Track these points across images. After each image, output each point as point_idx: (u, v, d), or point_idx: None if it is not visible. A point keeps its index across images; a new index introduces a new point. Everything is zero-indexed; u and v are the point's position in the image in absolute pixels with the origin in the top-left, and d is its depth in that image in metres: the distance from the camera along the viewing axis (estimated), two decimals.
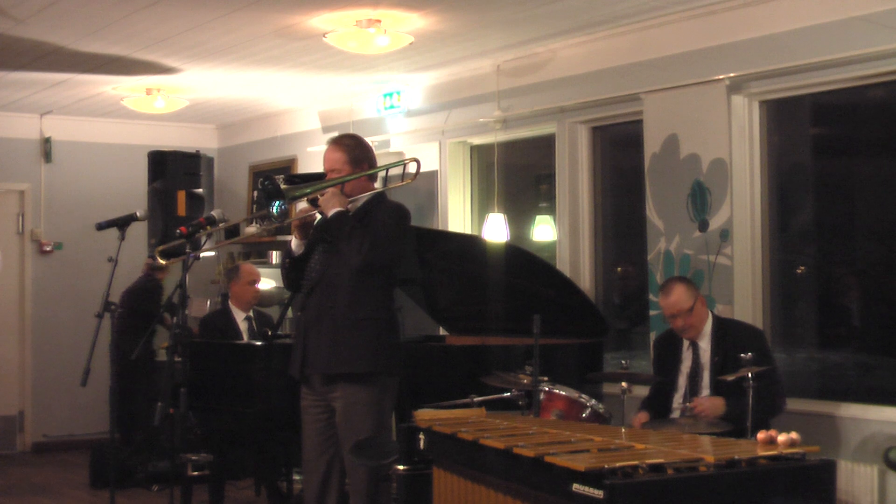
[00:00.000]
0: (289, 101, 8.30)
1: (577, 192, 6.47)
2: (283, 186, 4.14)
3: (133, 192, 8.62)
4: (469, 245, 5.93)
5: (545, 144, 6.74)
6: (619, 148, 6.44)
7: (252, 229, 8.30)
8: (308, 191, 4.29)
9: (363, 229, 4.19)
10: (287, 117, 8.82)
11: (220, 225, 4.64)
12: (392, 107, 7.58)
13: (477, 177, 7.42)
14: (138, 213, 5.36)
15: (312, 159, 8.16)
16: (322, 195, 4.25)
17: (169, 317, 7.11)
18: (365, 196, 4.38)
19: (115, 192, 9.01)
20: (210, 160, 7.75)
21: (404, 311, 6.28)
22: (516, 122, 6.75)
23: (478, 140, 7.28)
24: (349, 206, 4.28)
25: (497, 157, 6.89)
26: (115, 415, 5.53)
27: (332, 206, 4.22)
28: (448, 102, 7.24)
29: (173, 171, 7.33)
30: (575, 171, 6.48)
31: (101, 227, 5.33)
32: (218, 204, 8.05)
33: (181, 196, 7.26)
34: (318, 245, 4.36)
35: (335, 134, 4.82)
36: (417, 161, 4.40)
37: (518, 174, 7.22)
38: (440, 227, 7.26)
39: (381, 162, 4.60)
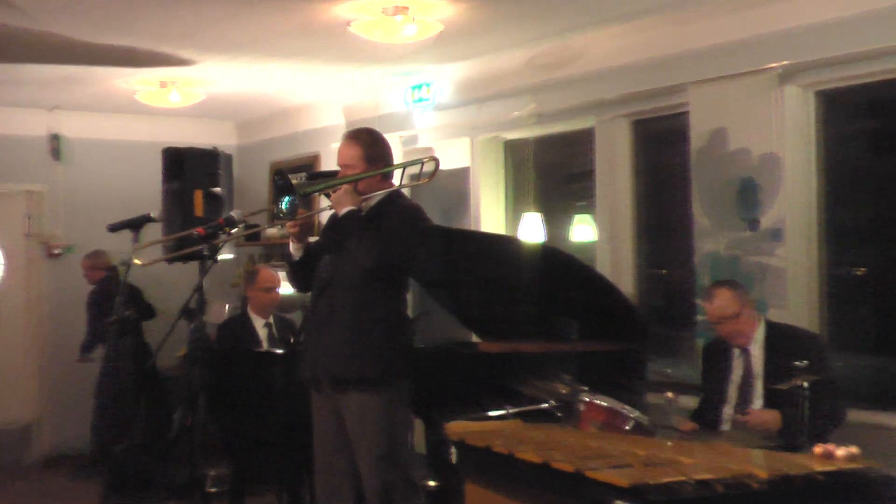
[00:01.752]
0: (311, 95, 8.32)
1: (618, 189, 6.46)
2: (294, 182, 4.20)
3: (147, 191, 8.63)
4: (503, 246, 5.90)
5: (583, 140, 6.74)
6: (662, 143, 6.43)
7: (274, 231, 8.35)
8: (320, 187, 4.34)
9: (375, 229, 4.23)
10: (309, 112, 8.85)
11: (240, 226, 4.71)
12: (420, 100, 7.59)
13: (511, 174, 7.42)
14: (153, 214, 5.40)
15: (336, 156, 8.18)
16: (334, 192, 4.30)
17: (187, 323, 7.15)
18: (379, 195, 4.42)
19: (128, 191, 9.06)
20: (229, 158, 7.77)
21: (432, 315, 6.33)
22: (552, 117, 6.74)
23: (511, 135, 7.28)
24: (362, 204, 4.33)
25: (532, 154, 6.87)
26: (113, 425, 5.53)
27: (344, 204, 4.27)
28: (479, 96, 7.24)
29: (190, 169, 7.33)
30: (615, 167, 6.47)
31: (114, 228, 5.37)
32: (238, 204, 8.06)
33: (198, 196, 7.26)
34: (325, 246, 4.42)
35: (373, 128, 4.89)
36: (436, 160, 4.45)
37: (555, 171, 7.21)
38: (472, 228, 7.27)
39: (407, 159, 4.64)
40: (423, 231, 4.48)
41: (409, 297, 7.62)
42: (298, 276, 4.53)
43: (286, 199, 4.20)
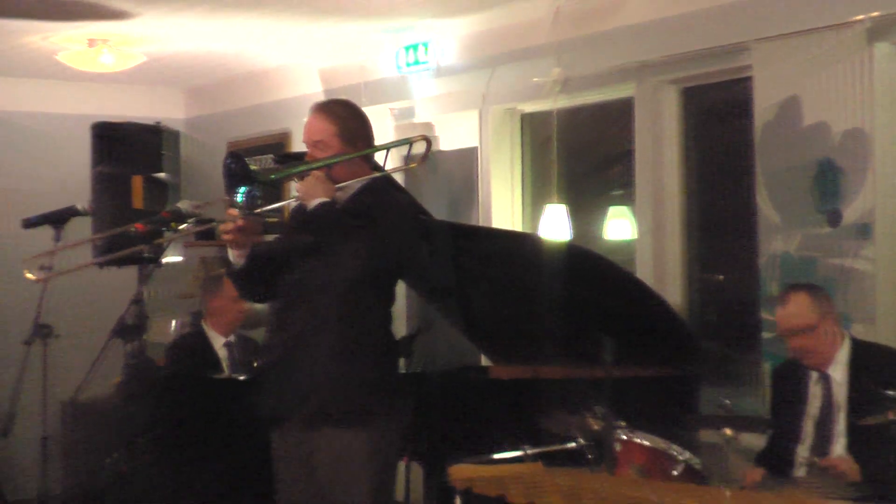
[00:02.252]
0: (280, 56, 8.34)
1: (663, 174, 6.47)
2: (253, 167, 4.21)
3: (73, 177, 8.62)
4: (519, 246, 5.89)
5: (620, 112, 6.75)
6: (719, 117, 6.42)
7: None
8: (283, 173, 4.37)
9: (360, 227, 4.25)
10: (277, 79, 8.86)
11: (190, 221, 4.70)
12: (417, 62, 7.60)
13: (530, 156, 7.43)
14: (80, 206, 5.38)
15: (303, 134, 8.18)
16: (301, 180, 4.31)
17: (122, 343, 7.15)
18: (358, 183, 4.44)
19: (48, 177, 9.04)
20: (175, 135, 7.76)
21: (434, 332, 6.32)
22: (581, 84, 6.73)
23: (530, 107, 7.27)
24: (337, 195, 4.34)
25: (556, 130, 6.88)
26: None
27: (315, 194, 4.27)
28: (491, 57, 7.22)
29: (126, 149, 7.31)
30: (660, 146, 6.47)
31: (30, 224, 5.38)
32: (187, 193, 8.05)
33: (137, 182, 7.24)
34: (297, 246, 4.42)
35: (350, 100, 4.89)
36: (427, 140, 4.46)
37: (585, 152, 7.21)
38: (482, 224, 7.26)
39: (401, 137, 4.67)
40: (422, 228, 4.49)
41: (404, 309, 7.70)
42: (253, 286, 4.53)
43: (241, 190, 4.19)
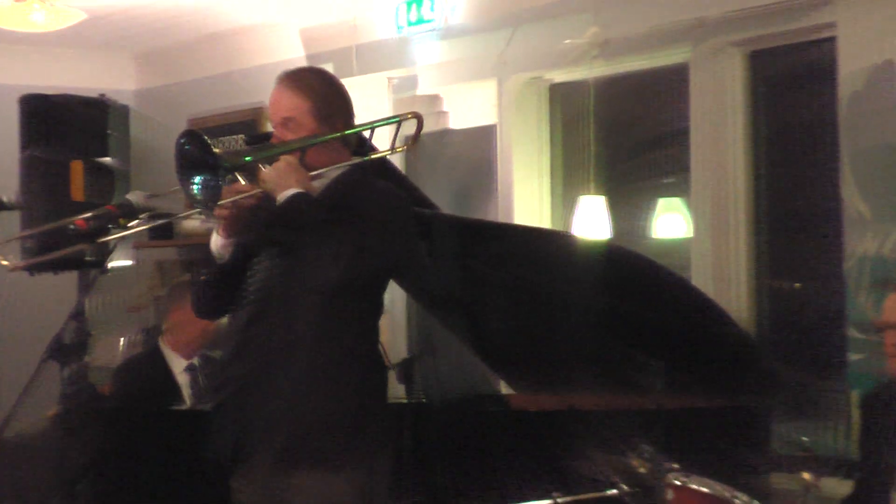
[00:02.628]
0: (253, 13, 8.39)
1: (726, 158, 6.48)
2: (216, 151, 4.19)
3: None
4: (546, 247, 5.92)
5: (672, 82, 6.75)
6: (794, 87, 6.43)
7: (196, 224, 8.30)
8: (248, 158, 4.32)
9: (341, 224, 4.25)
10: (250, 41, 8.91)
11: (143, 216, 4.64)
12: (420, 21, 7.63)
13: (560, 136, 7.43)
14: (4, 197, 5.36)
15: (269, 110, 8.18)
16: (266, 167, 4.31)
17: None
18: (335, 170, 4.45)
19: None
20: (123, 110, 7.81)
21: (439, 352, 6.28)
22: (623, 47, 6.77)
23: (561, 76, 7.30)
24: (311, 184, 4.34)
25: (593, 104, 6.88)
26: None
27: (286, 183, 4.27)
28: (512, 14, 7.25)
29: (64, 127, 7.36)
30: (722, 123, 6.49)
31: None
32: (138, 182, 8.04)
33: (77, 169, 7.27)
34: (262, 247, 4.43)
35: (325, 69, 4.89)
36: (419, 117, 4.46)
37: (627, 131, 7.23)
38: (499, 219, 7.28)
39: (402, 111, 4.70)
40: (422, 224, 4.47)
41: (404, 325, 7.68)
42: (216, 292, 4.51)
43: (197, 178, 4.17)
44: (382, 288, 4.45)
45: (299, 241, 4.28)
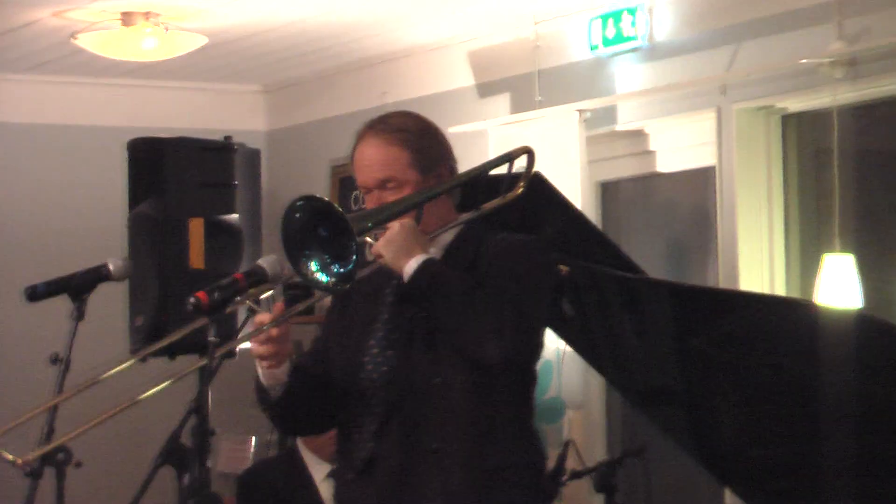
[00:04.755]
0: (408, 32, 8.42)
1: None
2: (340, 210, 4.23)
3: (100, 220, 8.72)
4: (786, 319, 5.78)
5: None
6: None
7: None
8: (370, 224, 4.36)
9: (489, 289, 4.33)
10: (405, 67, 8.99)
11: (276, 287, 4.65)
12: (619, 39, 7.61)
13: (796, 179, 7.36)
14: (111, 266, 5.42)
15: (457, 149, 8.15)
16: (379, 235, 4.39)
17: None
18: (449, 231, 4.55)
19: (63, 221, 9.23)
20: (254, 156, 7.84)
21: (649, 456, 6.20)
22: (878, 65, 6.67)
23: (797, 104, 7.22)
24: (430, 249, 4.42)
25: (837, 139, 6.80)
26: None
27: (408, 251, 4.33)
28: (733, 28, 7.23)
29: (180, 178, 7.39)
30: None
31: (36, 295, 5.51)
32: (271, 244, 8.08)
33: (196, 228, 7.29)
34: (383, 330, 4.51)
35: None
36: (530, 152, 4.53)
37: (882, 173, 7.14)
38: (720, 283, 7.25)
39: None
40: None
41: (601, 420, 7.61)
42: (290, 417, 4.67)
43: (315, 257, 4.23)
44: (535, 363, 4.53)
45: (443, 316, 4.31)
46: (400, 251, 4.31)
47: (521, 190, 4.54)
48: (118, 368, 4.73)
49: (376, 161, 4.51)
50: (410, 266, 4.28)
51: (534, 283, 4.39)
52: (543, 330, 4.52)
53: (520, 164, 4.59)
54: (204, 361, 4.54)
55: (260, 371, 4.52)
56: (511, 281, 4.33)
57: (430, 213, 4.46)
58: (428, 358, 4.39)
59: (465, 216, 4.54)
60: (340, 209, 4.22)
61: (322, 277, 4.21)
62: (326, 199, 4.29)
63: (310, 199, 4.23)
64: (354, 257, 4.17)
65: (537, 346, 4.45)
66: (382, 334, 4.49)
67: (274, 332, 4.39)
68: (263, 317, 4.38)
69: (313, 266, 4.21)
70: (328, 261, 4.21)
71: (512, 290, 4.31)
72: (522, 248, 4.45)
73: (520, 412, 4.49)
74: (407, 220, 4.35)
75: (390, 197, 4.45)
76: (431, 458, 4.35)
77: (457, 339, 4.31)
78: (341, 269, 4.19)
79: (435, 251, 4.44)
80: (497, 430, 4.39)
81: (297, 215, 4.23)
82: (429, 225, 4.44)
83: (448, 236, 4.51)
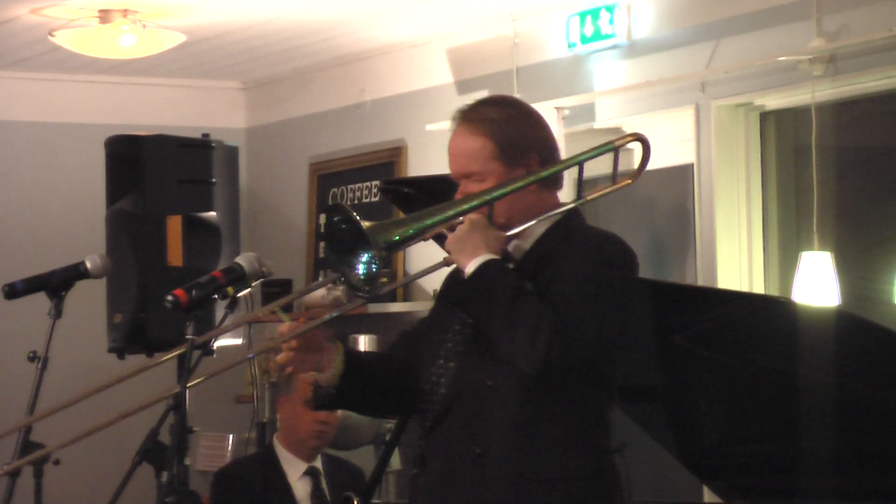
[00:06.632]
0: (387, 30, 8.43)
1: None
2: (365, 225, 4.18)
3: (79, 217, 8.71)
4: (764, 317, 5.79)
5: None
6: None
7: (320, 294, 8.31)
8: (428, 222, 4.33)
9: (539, 293, 4.24)
10: (384, 64, 9.00)
11: (254, 284, 4.69)
12: (597, 36, 7.63)
13: (775, 177, 7.41)
14: (89, 263, 5.43)
15: (434, 146, 8.14)
16: (450, 231, 4.31)
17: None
18: (542, 223, 4.41)
19: (41, 219, 9.23)
20: (232, 153, 7.83)
21: (628, 452, 6.23)
22: (856, 62, 6.73)
23: (775, 101, 7.27)
24: (509, 247, 4.35)
25: (816, 136, 6.83)
26: None
27: (472, 250, 4.27)
28: (712, 24, 7.26)
29: (158, 175, 7.39)
30: None
31: (15, 292, 5.50)
32: (249, 242, 8.06)
33: (174, 226, 7.29)
34: (446, 330, 4.45)
35: (479, 96, 4.81)
36: (642, 140, 4.47)
37: (863, 170, 7.20)
38: (698, 280, 7.28)
39: (578, 148, 4.63)
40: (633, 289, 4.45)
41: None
42: (357, 404, 4.68)
43: (363, 257, 4.19)
44: (601, 373, 4.40)
45: (491, 323, 4.24)
46: (464, 249, 4.26)
47: (633, 180, 4.52)
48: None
49: (460, 152, 4.44)
50: (470, 267, 4.22)
51: (595, 287, 4.27)
52: (611, 338, 4.33)
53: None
54: (179, 351, 4.59)
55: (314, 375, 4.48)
56: (570, 285, 4.24)
57: (511, 205, 4.36)
58: (483, 360, 4.32)
59: (563, 207, 4.43)
60: (354, 215, 4.18)
61: (359, 276, 4.21)
62: (345, 208, 4.26)
63: (336, 207, 4.40)
64: (375, 263, 4.18)
65: (592, 356, 4.28)
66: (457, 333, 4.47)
67: (294, 343, 4.31)
68: (284, 327, 4.32)
69: (358, 268, 4.20)
70: (370, 260, 4.19)
71: (568, 296, 4.22)
72: (595, 250, 4.36)
73: (581, 425, 4.34)
74: (476, 216, 4.29)
75: (474, 188, 4.36)
76: (474, 462, 4.29)
77: (495, 348, 4.26)
78: (371, 269, 4.19)
79: (521, 244, 4.39)
80: (546, 439, 4.30)
81: (338, 221, 4.22)
82: (512, 217, 4.36)
83: (541, 227, 4.40)
